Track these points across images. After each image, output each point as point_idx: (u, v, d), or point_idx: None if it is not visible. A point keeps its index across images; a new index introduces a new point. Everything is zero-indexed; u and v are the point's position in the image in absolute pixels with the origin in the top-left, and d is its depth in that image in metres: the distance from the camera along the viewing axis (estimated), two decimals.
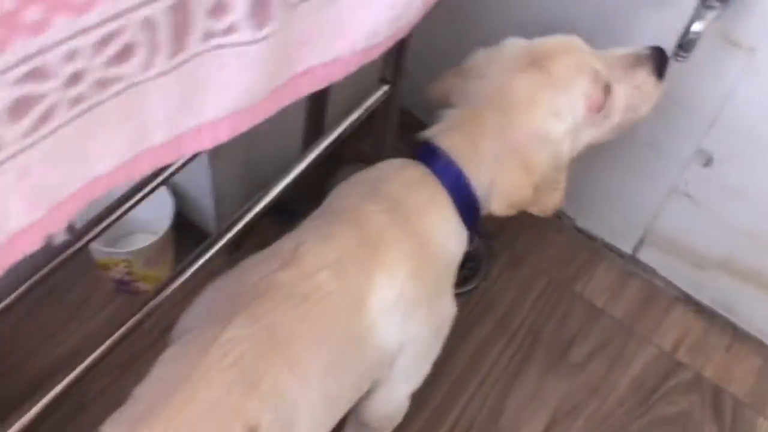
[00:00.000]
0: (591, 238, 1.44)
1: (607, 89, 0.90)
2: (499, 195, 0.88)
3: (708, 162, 1.13)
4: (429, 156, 0.89)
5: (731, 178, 1.14)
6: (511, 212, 0.90)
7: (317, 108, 1.13)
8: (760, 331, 1.35)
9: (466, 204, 0.89)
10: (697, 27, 0.89)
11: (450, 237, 0.89)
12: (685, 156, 1.15)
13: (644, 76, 0.93)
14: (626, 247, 1.41)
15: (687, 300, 1.41)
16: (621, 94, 0.92)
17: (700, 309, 1.40)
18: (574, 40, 0.92)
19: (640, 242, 1.38)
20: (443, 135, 0.89)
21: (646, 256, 1.40)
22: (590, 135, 0.92)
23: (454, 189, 0.88)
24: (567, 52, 0.90)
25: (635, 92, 0.93)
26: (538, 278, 1.42)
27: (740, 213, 1.18)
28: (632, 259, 1.43)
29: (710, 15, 0.89)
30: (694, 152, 1.13)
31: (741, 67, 0.98)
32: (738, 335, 1.39)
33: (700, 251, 1.30)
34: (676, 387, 1.33)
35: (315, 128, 1.15)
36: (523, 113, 0.87)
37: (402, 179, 0.88)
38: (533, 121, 0.87)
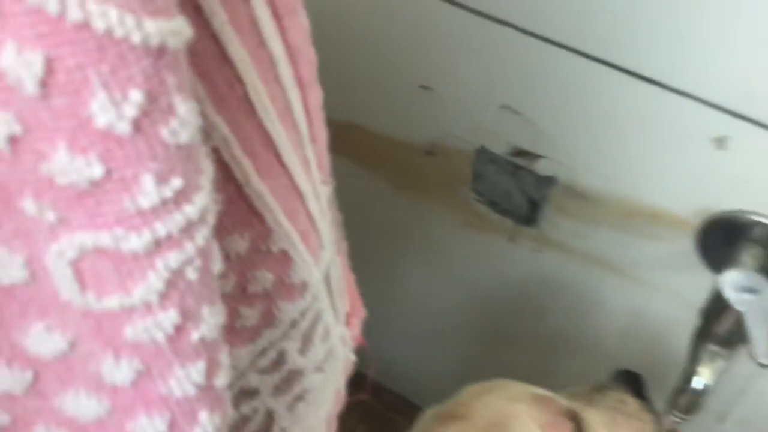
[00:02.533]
0: None
1: (572, 416, 0.67)
2: None
3: None
4: None
5: None
6: None
7: None
8: None
9: None
10: (704, 381, 0.70)
11: None
12: None
13: (616, 396, 0.73)
14: None
15: None
16: (596, 419, 0.69)
17: None
18: (506, 381, 0.73)
19: None
20: None
21: None
22: None
23: None
24: (491, 390, 0.70)
25: (615, 416, 0.71)
26: None
27: None
28: None
29: (719, 364, 0.70)
30: None
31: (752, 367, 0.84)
32: None
33: None
34: None
35: None
36: None
37: None
38: None
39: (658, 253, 0.85)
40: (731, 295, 0.65)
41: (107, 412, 0.21)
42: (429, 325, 1.20)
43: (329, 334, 0.37)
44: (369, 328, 1.33)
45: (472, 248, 1.03)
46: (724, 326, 0.68)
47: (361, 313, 0.48)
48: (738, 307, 0.65)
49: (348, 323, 0.47)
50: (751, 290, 0.66)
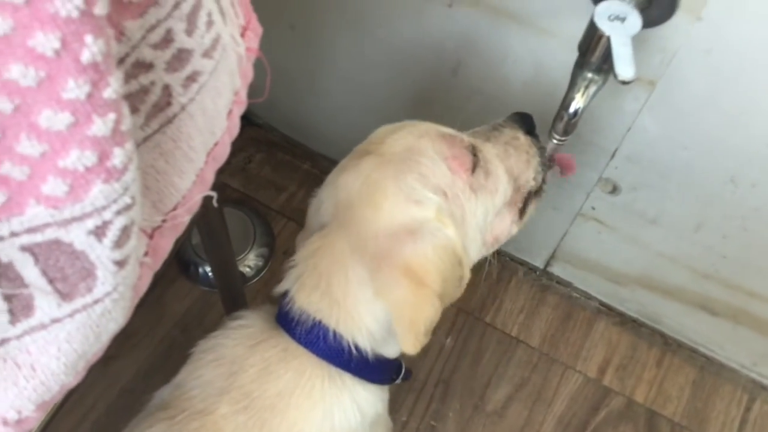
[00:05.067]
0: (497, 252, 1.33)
1: (472, 149, 0.75)
2: (402, 331, 0.67)
3: (614, 190, 1.12)
4: (287, 322, 0.72)
5: (641, 205, 1.12)
6: (426, 340, 0.68)
7: None
8: (692, 340, 1.33)
9: (357, 364, 0.72)
10: (577, 105, 0.80)
11: (333, 419, 0.72)
12: (589, 184, 1.14)
13: (510, 133, 0.82)
14: (537, 262, 1.39)
15: (609, 311, 1.37)
16: (491, 151, 0.78)
17: (624, 320, 1.36)
18: (414, 121, 0.77)
19: (552, 258, 1.36)
20: (297, 288, 0.72)
21: (559, 270, 1.37)
22: (485, 208, 0.75)
23: (330, 355, 0.71)
24: (398, 129, 0.75)
25: (508, 149, 0.80)
26: (442, 314, 1.28)
27: (655, 237, 1.17)
28: (545, 273, 1.39)
29: (592, 90, 0.80)
30: (597, 181, 1.12)
31: (641, 101, 0.96)
32: (668, 345, 1.35)
33: (616, 269, 1.29)
34: (607, 419, 1.27)
35: None
36: (371, 214, 0.68)
37: (257, 363, 0.71)
38: (385, 216, 0.68)
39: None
40: (601, 21, 0.73)
41: (11, 28, 0.29)
42: (351, 86, 1.27)
43: (213, 24, 0.44)
44: (293, 88, 1.39)
45: (391, 8, 1.08)
46: (596, 54, 0.76)
47: (258, 29, 0.55)
48: (606, 32, 0.73)
49: (243, 35, 0.54)
50: (619, 17, 0.74)
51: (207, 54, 0.44)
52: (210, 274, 1.35)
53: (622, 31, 0.73)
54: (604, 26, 0.73)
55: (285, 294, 0.73)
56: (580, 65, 0.79)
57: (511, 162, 0.80)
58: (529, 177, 0.82)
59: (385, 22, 1.12)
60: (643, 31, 0.82)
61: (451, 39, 1.07)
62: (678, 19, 0.84)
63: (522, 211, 0.82)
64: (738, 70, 0.86)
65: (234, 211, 1.42)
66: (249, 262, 1.38)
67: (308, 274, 0.71)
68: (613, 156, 1.07)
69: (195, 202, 0.50)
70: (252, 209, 1.44)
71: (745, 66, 0.85)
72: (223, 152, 0.52)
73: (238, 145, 1.52)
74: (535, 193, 0.84)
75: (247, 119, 1.53)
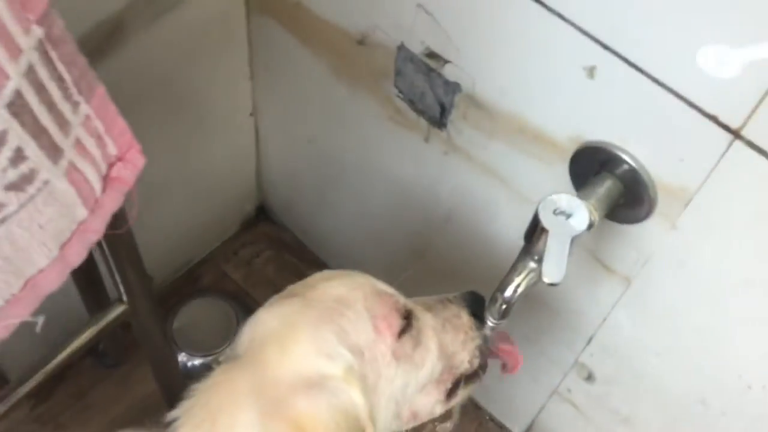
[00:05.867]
0: (478, 407, 1.26)
1: (405, 313, 0.70)
2: None
3: (589, 378, 1.04)
4: None
5: (615, 401, 1.04)
6: None
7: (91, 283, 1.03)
8: None
9: None
10: (513, 291, 0.74)
11: None
12: (566, 364, 1.07)
13: (455, 310, 0.77)
14: (515, 430, 1.30)
15: None
16: (429, 322, 0.73)
17: None
18: (353, 272, 0.73)
19: (529, 430, 1.27)
20: (183, 419, 0.64)
21: None
22: (405, 379, 0.70)
23: None
24: (335, 277, 0.72)
25: (446, 325, 0.75)
26: None
27: None
28: None
29: (532, 279, 0.74)
30: (573, 363, 1.05)
31: (616, 294, 0.90)
32: None
33: None
34: None
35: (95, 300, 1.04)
36: (279, 358, 0.64)
37: None
38: (291, 363, 0.64)
39: (540, 173, 0.88)
40: (544, 213, 0.68)
41: None
42: (356, 207, 1.26)
43: (26, 159, 0.43)
44: (308, 195, 1.38)
45: (394, 143, 1.07)
46: (539, 245, 0.71)
47: (138, 161, 0.54)
48: (546, 226, 0.68)
49: (112, 165, 0.53)
50: (564, 213, 0.68)
51: (14, 187, 0.43)
52: (181, 361, 1.33)
53: (562, 228, 0.67)
54: (546, 219, 0.68)
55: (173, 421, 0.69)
56: (525, 252, 0.74)
57: (446, 338, 0.74)
58: (464, 359, 0.76)
59: (387, 158, 1.11)
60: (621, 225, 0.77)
61: (444, 186, 1.05)
62: (653, 223, 0.78)
63: (451, 393, 0.75)
64: (711, 290, 0.78)
65: (222, 303, 1.40)
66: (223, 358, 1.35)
67: (198, 408, 0.65)
68: (589, 342, 1.00)
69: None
70: (243, 305, 1.42)
71: (720, 287, 0.77)
72: (50, 281, 0.50)
73: (249, 239, 1.54)
74: (469, 377, 0.77)
75: (264, 214, 1.54)
